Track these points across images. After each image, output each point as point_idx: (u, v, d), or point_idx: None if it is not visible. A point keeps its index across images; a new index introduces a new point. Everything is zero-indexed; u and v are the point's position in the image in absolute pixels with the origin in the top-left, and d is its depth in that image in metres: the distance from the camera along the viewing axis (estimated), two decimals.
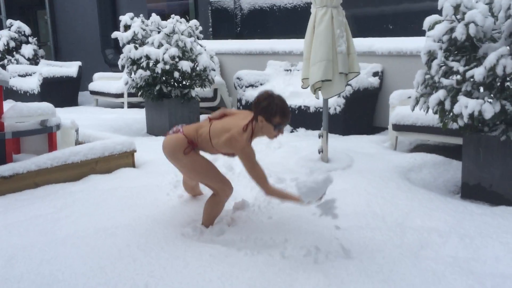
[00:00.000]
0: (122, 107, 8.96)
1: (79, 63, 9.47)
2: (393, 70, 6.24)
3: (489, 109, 3.45)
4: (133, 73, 6.46)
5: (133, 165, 4.74)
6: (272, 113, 2.85)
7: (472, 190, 3.86)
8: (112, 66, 10.62)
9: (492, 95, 3.65)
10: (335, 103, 5.94)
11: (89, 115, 7.76)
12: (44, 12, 12.71)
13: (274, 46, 7.72)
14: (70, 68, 9.32)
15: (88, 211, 3.54)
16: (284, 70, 7.30)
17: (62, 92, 8.98)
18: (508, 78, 3.60)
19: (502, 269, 2.57)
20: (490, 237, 2.93)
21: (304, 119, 6.28)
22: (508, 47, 3.52)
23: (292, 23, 10.18)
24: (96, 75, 9.52)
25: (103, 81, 9.35)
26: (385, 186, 3.89)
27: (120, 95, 8.78)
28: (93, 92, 9.34)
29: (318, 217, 2.82)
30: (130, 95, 8.68)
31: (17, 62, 10.07)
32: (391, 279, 2.49)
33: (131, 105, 8.97)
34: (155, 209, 3.57)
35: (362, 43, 6.32)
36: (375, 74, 6.29)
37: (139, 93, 6.59)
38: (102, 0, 10.69)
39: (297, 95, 6.50)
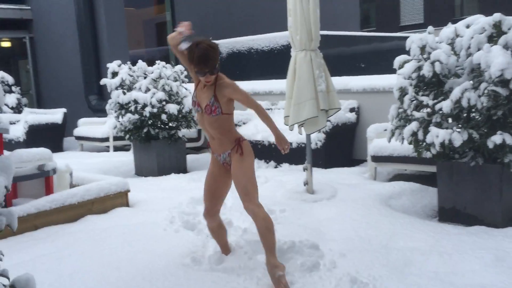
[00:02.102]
0: (107, 151, 9.13)
1: (64, 109, 9.67)
2: (369, 106, 6.65)
3: (458, 137, 3.81)
4: (121, 117, 6.70)
5: (127, 204, 4.92)
6: (191, 60, 2.98)
7: (448, 213, 4.17)
8: (96, 112, 10.83)
9: (460, 125, 4.02)
10: (316, 138, 6.27)
11: (76, 159, 7.90)
12: (26, 62, 12.95)
13: (255, 87, 8.10)
14: (55, 115, 9.51)
15: (89, 248, 3.71)
16: (266, 109, 7.63)
17: (47, 138, 9.12)
18: (473, 110, 3.98)
19: (478, 280, 2.84)
20: (466, 253, 3.22)
21: (288, 154, 6.54)
22: (471, 82, 3.92)
23: (270, 65, 10.66)
24: (81, 121, 9.72)
25: (88, 126, 9.55)
26: (369, 212, 4.18)
27: (106, 139, 8.98)
28: (78, 137, 9.52)
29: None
30: (115, 138, 8.89)
31: (1, 111, 10.19)
32: None
33: (116, 149, 9.16)
34: (154, 243, 3.76)
35: (338, 82, 6.71)
36: (351, 110, 6.68)
37: (127, 136, 6.81)
38: (85, 48, 11.01)
39: None
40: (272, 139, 6.77)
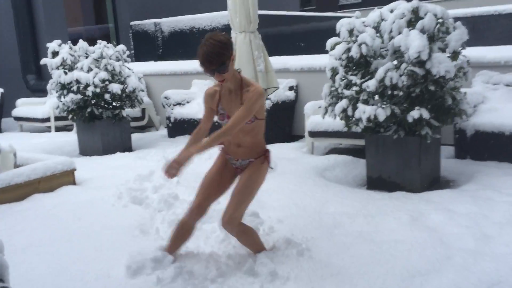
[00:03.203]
0: (49, 131, 9.02)
1: (1, 89, 9.42)
2: (306, 84, 7.02)
3: (382, 113, 4.23)
4: (63, 97, 6.70)
5: (74, 183, 5.04)
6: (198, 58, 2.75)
7: (375, 182, 4.62)
8: (35, 92, 10.60)
9: (384, 102, 4.44)
10: None
11: (17, 140, 7.79)
12: None
13: (198, 66, 8.21)
14: None
15: (40, 224, 3.85)
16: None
17: None
18: (395, 88, 4.40)
19: (395, 236, 3.28)
20: (387, 215, 3.66)
21: None
22: (394, 62, 4.33)
23: None
24: (20, 101, 9.51)
25: (27, 106, 9.36)
26: (304, 183, 4.56)
27: (47, 120, 8.87)
28: (18, 118, 9.32)
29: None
30: (57, 118, 8.80)
31: None
32: (312, 250, 3.11)
33: (58, 129, 9.07)
34: (103, 217, 3.95)
35: (277, 61, 7.03)
36: (290, 88, 7.03)
37: (70, 116, 6.83)
38: (20, 26, 10.67)
39: None
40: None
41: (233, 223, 2.89)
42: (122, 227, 3.72)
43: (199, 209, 3.01)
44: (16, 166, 5.08)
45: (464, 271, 2.75)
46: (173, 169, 2.74)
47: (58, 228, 3.74)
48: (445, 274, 2.74)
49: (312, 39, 12.65)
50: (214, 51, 2.64)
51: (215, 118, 3.02)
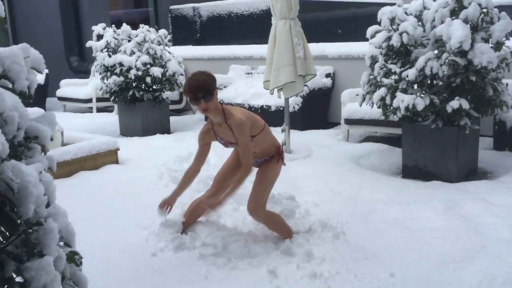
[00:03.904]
0: (90, 112, 9.35)
1: (46, 70, 9.77)
2: (343, 72, 7.03)
3: (421, 102, 4.24)
4: (106, 79, 6.94)
5: (117, 162, 5.26)
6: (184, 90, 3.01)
7: (410, 171, 4.65)
8: (77, 73, 10.94)
9: (423, 91, 4.44)
10: (294, 102, 6.65)
11: (61, 119, 8.08)
12: (4, 21, 12.82)
13: (235, 52, 8.37)
14: (37, 76, 9.62)
15: (86, 200, 4.07)
16: (246, 74, 7.96)
17: None
18: (436, 77, 4.40)
19: (430, 224, 3.33)
20: (422, 203, 3.70)
21: (266, 117, 6.84)
22: (435, 52, 4.32)
23: (249, 29, 10.88)
24: (63, 82, 9.86)
25: (70, 87, 9.70)
26: (340, 169, 4.63)
27: (89, 100, 9.18)
28: (61, 98, 9.68)
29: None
30: (98, 100, 9.10)
31: None
32: (347, 234, 3.20)
33: (99, 110, 9.38)
34: (146, 196, 4.12)
35: (315, 48, 7.04)
36: (327, 75, 7.06)
37: (112, 98, 7.07)
38: (64, 9, 11.00)
39: (259, 96, 7.17)
40: (253, 101, 7.15)
41: (257, 210, 3.15)
42: None
43: (213, 198, 3.25)
44: (63, 144, 5.34)
45: (497, 260, 2.79)
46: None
47: (104, 204, 3.95)
48: (479, 262, 2.79)
49: (351, 26, 12.57)
50: (202, 80, 2.93)
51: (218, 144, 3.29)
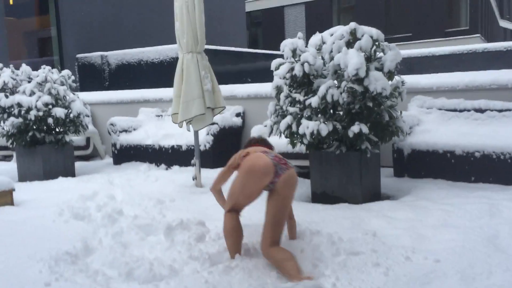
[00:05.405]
0: None
1: None
2: (253, 111, 7.19)
3: (324, 128, 4.40)
4: (2, 121, 6.50)
5: (12, 203, 4.84)
6: None
7: (319, 197, 4.74)
8: None
9: (326, 118, 4.63)
10: (205, 140, 6.63)
11: None
12: None
13: (145, 95, 8.28)
14: None
15: None
16: (156, 116, 7.86)
17: None
18: (337, 105, 4.62)
19: (339, 235, 3.37)
20: (330, 222, 3.77)
21: (178, 157, 6.85)
22: (334, 81, 4.56)
23: (159, 76, 10.89)
24: None
25: None
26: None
27: None
28: None
29: None
30: None
31: None
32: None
33: None
34: (43, 232, 3.81)
35: (225, 89, 7.17)
36: (237, 114, 7.16)
37: (9, 141, 6.60)
38: None
39: (169, 136, 7.07)
40: (163, 142, 7.02)
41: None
42: (62, 240, 3.59)
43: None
44: None
45: (402, 262, 2.87)
46: None
47: None
48: (385, 265, 2.85)
49: (259, 76, 13.06)
50: None
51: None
